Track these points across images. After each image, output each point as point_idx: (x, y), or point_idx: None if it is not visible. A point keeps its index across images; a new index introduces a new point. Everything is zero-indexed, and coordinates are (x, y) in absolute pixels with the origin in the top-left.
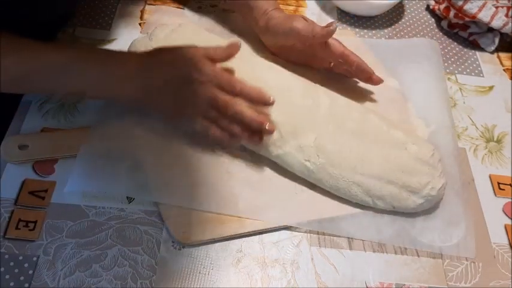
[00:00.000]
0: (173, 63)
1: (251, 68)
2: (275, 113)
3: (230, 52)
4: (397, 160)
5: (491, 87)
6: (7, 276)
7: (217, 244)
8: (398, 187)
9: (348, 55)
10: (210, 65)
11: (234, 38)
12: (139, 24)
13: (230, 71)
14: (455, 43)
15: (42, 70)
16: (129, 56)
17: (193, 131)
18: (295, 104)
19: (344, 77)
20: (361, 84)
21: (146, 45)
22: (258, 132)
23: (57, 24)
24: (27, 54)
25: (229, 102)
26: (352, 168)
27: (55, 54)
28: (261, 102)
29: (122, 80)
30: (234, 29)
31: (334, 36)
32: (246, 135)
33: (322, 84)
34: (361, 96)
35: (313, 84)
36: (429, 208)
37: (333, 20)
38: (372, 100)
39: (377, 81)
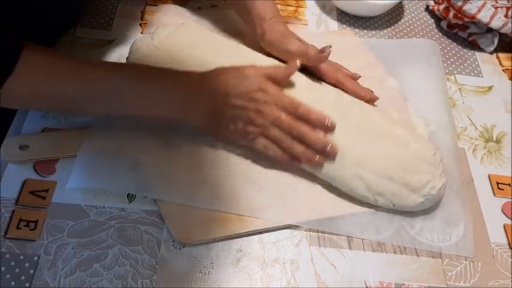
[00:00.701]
0: (236, 85)
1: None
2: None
3: (290, 72)
4: (399, 157)
5: (490, 88)
6: (8, 276)
7: (217, 244)
8: (399, 184)
9: (343, 83)
10: (273, 86)
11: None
12: (140, 24)
13: (291, 93)
14: (455, 43)
15: (97, 95)
16: (186, 77)
17: (252, 148)
18: (300, 97)
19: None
20: (362, 84)
21: (148, 44)
22: (319, 153)
23: (67, 23)
24: (83, 77)
25: (292, 123)
26: (356, 162)
27: (110, 77)
28: (321, 125)
29: (180, 103)
30: (234, 29)
31: (334, 36)
32: (307, 157)
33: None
34: None
35: (318, 80)
36: (428, 208)
37: (328, 45)
38: None
39: (374, 100)
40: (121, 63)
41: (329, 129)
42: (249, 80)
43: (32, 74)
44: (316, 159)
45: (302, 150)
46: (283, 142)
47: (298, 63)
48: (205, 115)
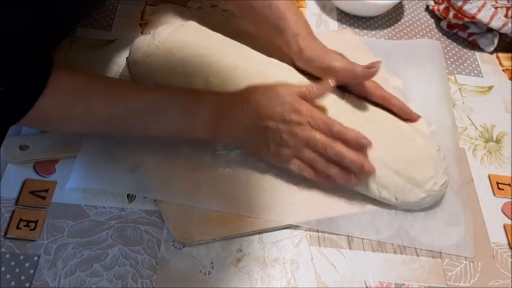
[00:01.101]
0: (268, 106)
1: (260, 66)
2: None
3: (324, 91)
4: (405, 151)
5: (490, 88)
6: (8, 276)
7: (217, 244)
8: (404, 178)
9: (388, 99)
10: (307, 106)
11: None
12: (140, 24)
13: (323, 111)
14: (455, 43)
15: (125, 115)
16: (218, 96)
17: (285, 168)
18: None
19: None
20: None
21: (149, 44)
22: (355, 173)
23: (75, 24)
24: (114, 98)
25: (328, 144)
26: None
27: (139, 98)
28: (358, 145)
29: (210, 125)
30: (234, 29)
31: (334, 35)
32: (343, 177)
33: None
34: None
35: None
36: (428, 208)
37: (378, 60)
38: None
39: (415, 118)
40: (150, 87)
41: (365, 147)
42: (282, 100)
43: (62, 96)
44: (352, 179)
45: (338, 171)
46: (317, 164)
47: (332, 82)
48: (236, 136)
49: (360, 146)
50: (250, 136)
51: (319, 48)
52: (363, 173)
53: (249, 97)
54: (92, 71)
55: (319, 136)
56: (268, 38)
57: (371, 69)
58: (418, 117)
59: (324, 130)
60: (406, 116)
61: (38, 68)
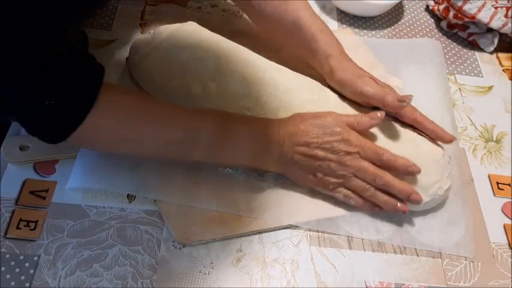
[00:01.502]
0: (316, 135)
1: (259, 70)
2: (283, 111)
3: (374, 123)
4: (410, 155)
5: (490, 88)
6: (8, 276)
7: (217, 244)
8: (408, 182)
9: (421, 122)
10: (356, 135)
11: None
12: (140, 24)
13: (372, 139)
14: (455, 43)
15: (181, 141)
16: (265, 124)
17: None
18: (302, 99)
19: None
20: None
21: (149, 44)
22: (401, 201)
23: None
24: (168, 123)
25: (377, 173)
26: None
27: (194, 124)
28: (407, 173)
29: (256, 151)
30: (234, 29)
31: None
32: (391, 205)
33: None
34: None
35: (321, 84)
36: (429, 208)
37: (410, 94)
38: None
39: (450, 139)
40: (202, 110)
41: (414, 174)
42: (331, 129)
43: (112, 116)
44: (399, 206)
45: (386, 199)
46: (365, 192)
47: (382, 114)
48: (282, 163)
49: (409, 174)
50: (297, 165)
51: (352, 70)
52: (412, 203)
53: (297, 125)
54: (139, 92)
55: (367, 165)
56: (299, 55)
57: (401, 103)
58: (452, 138)
59: (374, 159)
60: (439, 139)
61: (88, 83)
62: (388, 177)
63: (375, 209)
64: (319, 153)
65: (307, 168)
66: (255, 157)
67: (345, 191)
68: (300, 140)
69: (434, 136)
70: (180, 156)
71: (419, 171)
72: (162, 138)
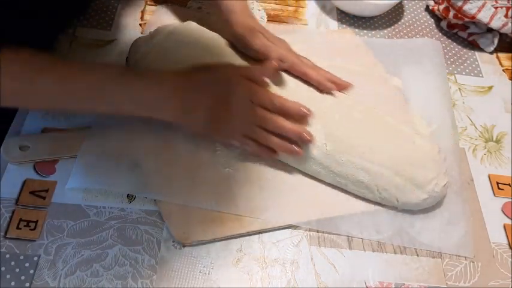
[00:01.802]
0: (213, 83)
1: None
2: None
3: (267, 71)
4: (405, 152)
5: (490, 88)
6: (8, 276)
7: (217, 244)
8: (404, 179)
9: (306, 73)
10: (249, 83)
11: None
12: (140, 24)
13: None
14: (455, 43)
15: (75, 92)
16: (165, 76)
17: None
18: (300, 96)
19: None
20: (362, 84)
21: (148, 44)
22: (295, 142)
23: (65, 22)
24: (60, 74)
25: (268, 118)
26: (360, 155)
27: (90, 76)
28: (299, 115)
29: (159, 101)
30: None
31: (334, 35)
32: (284, 148)
33: None
34: (363, 95)
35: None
36: (428, 208)
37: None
38: (374, 99)
39: (345, 86)
40: (95, 63)
41: (306, 116)
42: (225, 79)
43: (9, 72)
44: (294, 148)
45: (278, 141)
46: (260, 137)
47: (274, 63)
48: (181, 113)
49: (301, 116)
50: (197, 115)
51: (246, 25)
52: (304, 142)
53: (195, 77)
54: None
55: (260, 111)
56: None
57: (281, 63)
58: (348, 85)
59: (267, 105)
60: (330, 85)
61: None
62: (279, 120)
63: (271, 154)
64: (215, 101)
65: (204, 116)
66: (152, 105)
67: (241, 138)
68: (196, 90)
69: (322, 85)
70: (82, 107)
71: (310, 113)
72: (53, 91)
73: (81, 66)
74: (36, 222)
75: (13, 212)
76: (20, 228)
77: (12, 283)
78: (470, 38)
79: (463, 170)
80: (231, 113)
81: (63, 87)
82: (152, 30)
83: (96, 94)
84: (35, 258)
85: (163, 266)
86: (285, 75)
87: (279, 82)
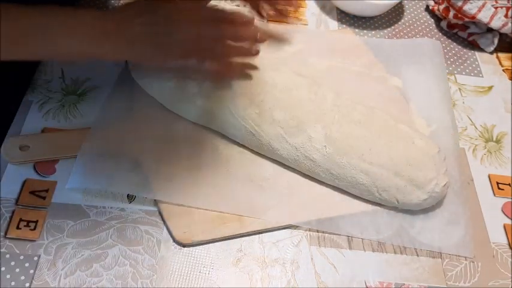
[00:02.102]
0: (152, 10)
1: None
2: (280, 109)
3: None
4: (404, 153)
5: (490, 88)
6: (8, 276)
7: (217, 244)
8: (404, 180)
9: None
10: (188, 3)
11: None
12: None
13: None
14: (455, 43)
15: (18, 35)
16: (105, 11)
17: (186, 70)
18: (299, 98)
19: (345, 78)
20: (362, 84)
21: None
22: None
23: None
24: (11, 16)
25: (213, 30)
26: (360, 157)
27: (26, 19)
28: (244, 22)
29: (103, 36)
30: None
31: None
32: (246, 51)
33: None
34: (363, 94)
35: (317, 82)
36: (429, 208)
37: None
38: (374, 99)
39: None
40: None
41: (251, 21)
42: (164, 4)
43: None
44: (251, 49)
45: (238, 47)
46: (212, 53)
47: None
48: (125, 45)
49: (246, 22)
50: (142, 44)
51: None
52: (259, 41)
53: (134, 7)
54: None
55: (206, 29)
56: None
57: None
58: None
59: (209, 19)
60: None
61: None
62: (231, 27)
63: (230, 69)
64: (157, 26)
65: (149, 44)
66: (93, 41)
67: (197, 55)
68: (137, 19)
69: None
70: (13, 53)
71: (253, 17)
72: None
73: (25, 7)
74: (36, 222)
75: (13, 212)
76: (20, 228)
77: (12, 283)
78: (470, 38)
79: (463, 170)
80: (177, 36)
81: (11, 27)
82: None
83: (39, 30)
84: (35, 258)
85: (163, 266)
86: (284, 76)
87: (279, 83)
